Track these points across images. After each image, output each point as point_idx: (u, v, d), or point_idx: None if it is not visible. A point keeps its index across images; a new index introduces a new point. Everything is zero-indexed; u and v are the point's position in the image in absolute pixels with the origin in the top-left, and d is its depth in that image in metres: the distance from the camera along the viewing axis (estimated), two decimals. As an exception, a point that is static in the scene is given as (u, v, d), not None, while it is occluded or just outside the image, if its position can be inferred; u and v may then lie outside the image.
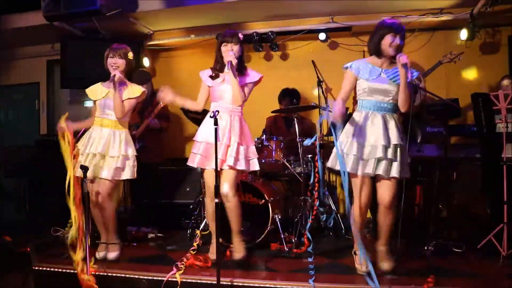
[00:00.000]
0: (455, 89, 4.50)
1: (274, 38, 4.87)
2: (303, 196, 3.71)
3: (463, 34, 4.40)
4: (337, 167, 2.75)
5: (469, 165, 3.72)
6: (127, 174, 3.29)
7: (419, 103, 3.94)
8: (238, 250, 3.08)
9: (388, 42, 2.69)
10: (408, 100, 2.69)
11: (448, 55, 3.98)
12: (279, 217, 3.54)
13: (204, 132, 3.03)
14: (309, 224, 3.42)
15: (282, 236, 3.47)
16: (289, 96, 4.47)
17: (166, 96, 3.14)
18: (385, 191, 2.74)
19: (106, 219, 3.30)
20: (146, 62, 5.13)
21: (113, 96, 3.21)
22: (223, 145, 2.98)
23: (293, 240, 3.49)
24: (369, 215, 4.06)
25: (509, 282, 2.68)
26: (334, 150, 2.80)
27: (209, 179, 3.06)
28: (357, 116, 2.80)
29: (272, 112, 4.23)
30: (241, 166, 3.01)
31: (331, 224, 3.72)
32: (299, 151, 3.76)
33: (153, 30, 5.00)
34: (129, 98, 3.27)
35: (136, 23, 4.69)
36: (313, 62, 4.37)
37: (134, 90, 3.30)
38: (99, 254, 3.31)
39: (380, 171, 2.68)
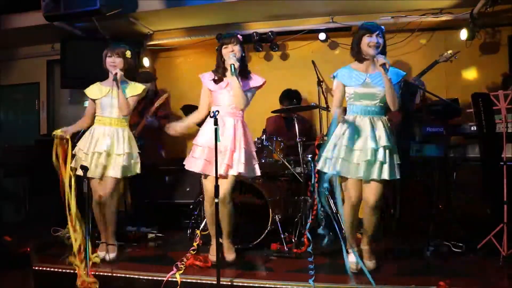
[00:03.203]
0: (455, 89, 4.49)
1: (274, 38, 4.87)
2: (303, 196, 3.71)
3: (463, 34, 4.38)
4: (325, 170, 2.78)
5: (469, 165, 3.72)
6: (133, 170, 3.35)
7: (419, 103, 3.94)
8: (229, 252, 3.14)
9: (366, 42, 2.76)
10: (394, 99, 2.71)
11: (444, 54, 3.98)
12: (279, 217, 3.54)
13: (207, 136, 2.95)
14: (309, 224, 3.42)
15: (282, 236, 3.47)
16: (290, 98, 4.46)
17: (174, 131, 3.18)
18: (371, 192, 2.75)
19: (108, 217, 3.31)
20: (146, 62, 5.13)
21: (117, 94, 3.24)
22: (228, 151, 2.94)
23: (293, 240, 3.49)
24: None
25: (509, 282, 2.67)
26: (323, 153, 2.84)
27: (209, 184, 2.99)
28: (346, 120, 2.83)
29: (272, 112, 4.23)
30: (250, 172, 3.04)
31: (323, 225, 3.69)
32: (299, 151, 3.76)
33: (153, 30, 4.99)
34: (131, 96, 3.31)
35: (136, 23, 4.68)
36: (313, 62, 4.36)
37: (136, 88, 3.35)
38: (100, 254, 3.30)
39: (370, 173, 2.70)
